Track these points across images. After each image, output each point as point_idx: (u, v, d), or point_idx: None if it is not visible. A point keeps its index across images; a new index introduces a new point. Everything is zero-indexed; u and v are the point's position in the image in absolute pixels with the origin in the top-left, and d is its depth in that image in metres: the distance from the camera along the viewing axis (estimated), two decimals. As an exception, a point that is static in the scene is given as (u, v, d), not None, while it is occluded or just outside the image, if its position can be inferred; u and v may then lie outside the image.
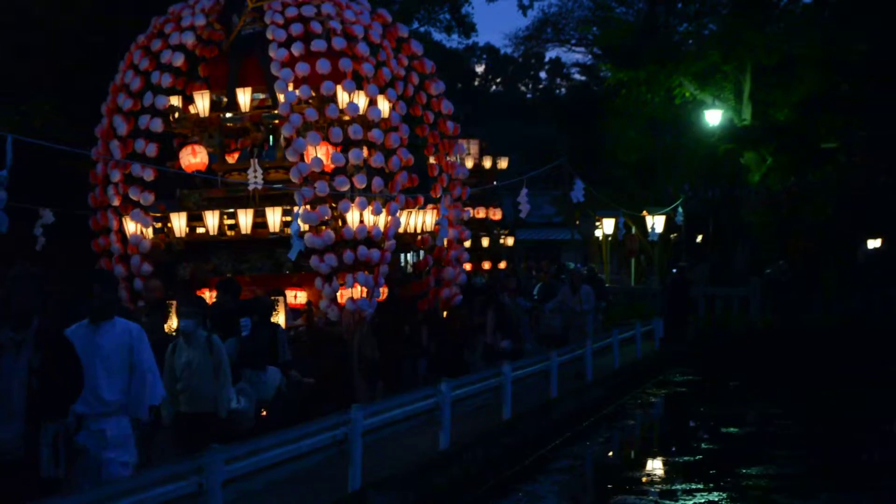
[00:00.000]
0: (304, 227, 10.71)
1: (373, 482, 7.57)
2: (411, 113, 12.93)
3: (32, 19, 14.17)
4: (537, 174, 22.72)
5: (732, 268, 25.10)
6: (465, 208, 14.97)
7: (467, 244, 14.50)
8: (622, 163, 27.67)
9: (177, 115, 12.06)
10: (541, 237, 37.11)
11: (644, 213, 25.23)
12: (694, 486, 9.56)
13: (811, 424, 13.68)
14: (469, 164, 20.57)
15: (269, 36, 11.27)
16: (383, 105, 11.61)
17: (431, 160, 13.68)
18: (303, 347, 10.35)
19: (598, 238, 28.92)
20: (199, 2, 12.07)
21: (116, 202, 11.86)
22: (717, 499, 9.15)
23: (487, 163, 22.75)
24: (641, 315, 20.03)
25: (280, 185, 10.95)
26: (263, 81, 11.66)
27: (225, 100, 12.08)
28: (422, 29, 31.78)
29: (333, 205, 10.89)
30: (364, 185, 10.96)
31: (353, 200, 10.85)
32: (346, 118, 11.16)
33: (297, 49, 11.18)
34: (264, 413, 8.41)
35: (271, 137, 11.93)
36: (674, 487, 9.58)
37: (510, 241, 24.26)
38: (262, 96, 11.96)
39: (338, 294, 10.78)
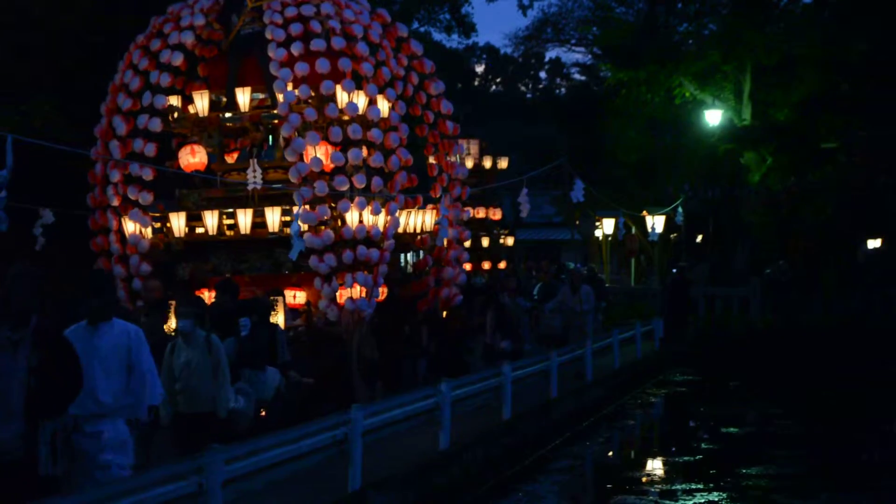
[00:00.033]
0: (304, 227, 10.71)
1: (373, 482, 7.57)
2: (411, 113, 12.93)
3: (32, 19, 14.16)
4: (537, 174, 22.72)
5: (732, 268, 25.10)
6: (465, 208, 14.97)
7: (467, 244, 14.50)
8: (622, 163, 27.66)
9: (176, 114, 12.06)
10: (541, 237, 37.11)
11: (644, 213, 25.23)
12: (694, 486, 9.56)
13: (811, 424, 13.67)
14: (469, 164, 20.57)
15: (268, 36, 11.26)
16: (383, 105, 11.61)
17: (431, 160, 13.68)
18: (302, 347, 10.35)
19: (598, 238, 28.92)
20: (198, 1, 12.06)
21: (116, 202, 11.86)
22: (717, 499, 9.15)
23: (487, 163, 22.75)
24: (641, 315, 20.03)
25: (279, 185, 10.94)
26: (263, 81, 11.66)
27: (224, 100, 12.08)
28: (422, 29, 31.79)
29: (333, 205, 10.88)
30: (363, 185, 10.95)
31: (352, 200, 10.84)
32: (346, 118, 11.16)
33: (296, 49, 11.18)
34: (263, 413, 8.41)
35: (270, 137, 11.92)
36: (674, 487, 9.58)
37: (510, 241, 24.26)
38: (261, 96, 11.96)
39: (337, 294, 10.78)
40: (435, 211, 13.06)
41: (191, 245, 11.68)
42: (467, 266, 14.87)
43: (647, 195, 26.76)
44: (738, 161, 25.60)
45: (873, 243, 25.92)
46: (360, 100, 11.27)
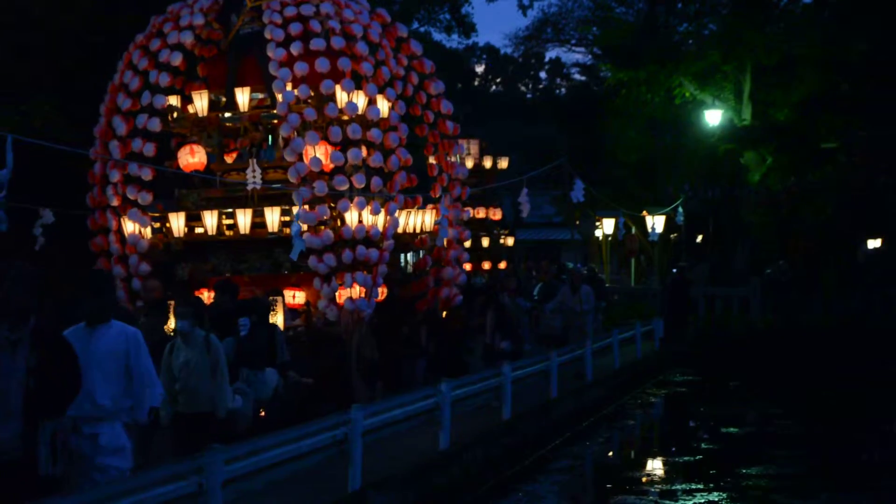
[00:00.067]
0: (304, 227, 10.70)
1: (373, 482, 7.57)
2: (411, 113, 12.92)
3: (32, 19, 14.16)
4: (537, 174, 22.72)
5: (732, 268, 25.10)
6: (465, 208, 14.97)
7: (467, 244, 14.49)
8: (622, 163, 27.66)
9: (175, 114, 12.05)
10: (541, 237, 37.12)
11: (644, 213, 25.23)
12: (694, 486, 9.56)
13: (811, 424, 13.67)
14: (469, 164, 20.58)
15: (268, 35, 11.25)
16: (382, 104, 11.60)
17: (431, 160, 13.67)
18: (301, 347, 10.34)
19: (598, 238, 28.92)
20: (197, 1, 12.05)
21: (115, 202, 11.84)
22: (717, 499, 9.15)
23: (487, 163, 22.77)
24: (641, 315, 20.02)
25: (279, 185, 10.93)
26: (262, 81, 11.65)
27: (223, 99, 12.07)
28: (422, 29, 31.79)
29: (332, 204, 10.88)
30: (363, 185, 10.95)
31: (351, 200, 10.84)
32: (345, 118, 11.16)
33: (295, 48, 11.17)
34: (263, 413, 8.41)
35: (270, 137, 11.91)
36: (674, 487, 9.58)
37: (510, 241, 24.28)
38: (260, 96, 11.94)
39: (336, 294, 10.77)
40: (435, 211, 13.05)
41: (190, 245, 11.68)
42: (467, 266, 14.86)
43: (647, 195, 26.76)
44: (738, 161, 25.59)
45: (873, 243, 25.92)
46: (360, 99, 11.26)
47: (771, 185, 25.25)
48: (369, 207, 10.94)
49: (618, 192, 26.29)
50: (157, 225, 11.78)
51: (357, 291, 10.78)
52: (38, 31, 14.15)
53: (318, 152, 10.81)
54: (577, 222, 29.96)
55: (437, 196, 13.33)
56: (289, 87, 11.05)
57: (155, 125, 11.66)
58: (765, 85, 25.10)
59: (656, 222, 24.91)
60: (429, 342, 11.95)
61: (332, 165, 10.93)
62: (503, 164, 23.55)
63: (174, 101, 12.10)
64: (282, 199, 11.13)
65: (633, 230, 26.29)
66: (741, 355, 18.70)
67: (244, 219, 11.26)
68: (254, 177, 10.79)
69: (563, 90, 56.34)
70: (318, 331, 10.90)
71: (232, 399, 7.65)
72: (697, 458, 11.30)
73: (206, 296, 10.76)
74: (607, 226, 26.92)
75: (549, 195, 33.60)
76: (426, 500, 8.08)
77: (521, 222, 29.22)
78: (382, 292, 11.46)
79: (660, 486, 9.74)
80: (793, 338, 19.04)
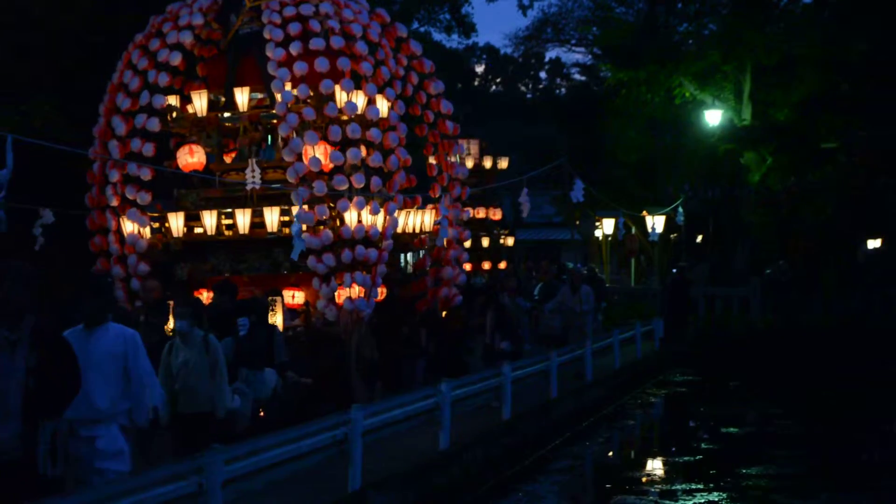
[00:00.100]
0: (304, 227, 10.70)
1: (373, 482, 7.57)
2: (410, 112, 12.93)
3: (32, 19, 14.16)
4: (537, 174, 22.73)
5: (732, 268, 25.10)
6: (465, 208, 14.96)
7: (467, 244, 14.48)
8: (622, 163, 27.65)
9: (174, 114, 12.05)
10: (541, 237, 37.12)
11: (644, 213, 25.23)
12: (694, 486, 9.56)
13: (811, 424, 13.67)
14: (469, 164, 20.58)
15: (267, 35, 11.24)
16: (382, 104, 11.60)
17: (431, 160, 13.67)
18: (301, 348, 10.34)
19: (598, 238, 28.92)
20: (196, 1, 12.05)
21: (115, 202, 11.83)
22: (717, 499, 9.15)
23: (487, 163, 22.76)
24: (641, 315, 20.02)
25: (278, 185, 10.93)
26: (261, 81, 11.64)
27: (223, 99, 12.07)
28: (422, 29, 31.79)
29: (332, 204, 10.88)
30: (362, 185, 10.95)
31: (350, 200, 10.83)
32: (345, 117, 11.16)
33: (295, 48, 11.17)
34: (262, 414, 8.41)
35: (269, 137, 11.91)
36: (674, 487, 9.57)
37: (510, 241, 24.27)
38: (259, 96, 11.94)
39: (336, 294, 10.77)
40: (434, 211, 13.05)
41: (189, 245, 11.67)
42: (467, 266, 14.86)
43: (647, 195, 26.77)
44: (738, 161, 25.59)
45: (873, 243, 25.92)
46: (359, 99, 11.26)
47: (771, 185, 25.25)
48: (368, 207, 10.93)
49: (618, 192, 26.29)
50: (156, 225, 11.77)
51: (356, 291, 10.77)
52: (38, 31, 14.15)
53: (318, 152, 10.81)
54: (577, 222, 29.96)
55: (437, 196, 13.33)
56: (288, 86, 11.05)
57: (154, 125, 11.65)
58: (765, 85, 25.10)
59: (656, 222, 24.91)
60: (428, 342, 11.94)
61: (331, 165, 10.93)
62: (503, 164, 23.55)
63: (173, 100, 12.09)
64: (281, 199, 11.13)
65: (633, 230, 26.29)
66: (741, 355, 18.70)
67: (243, 219, 11.25)
68: (253, 177, 10.78)
69: (563, 90, 56.39)
70: (317, 331, 10.90)
71: (231, 399, 7.65)
72: (697, 458, 11.30)
73: (206, 296, 10.76)
74: (607, 226, 26.92)
75: (549, 195, 33.60)
76: (426, 500, 8.08)
77: (521, 222, 29.22)
78: (382, 292, 11.46)
79: (660, 486, 9.74)
80: (793, 338, 19.04)
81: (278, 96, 11.06)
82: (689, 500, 9.05)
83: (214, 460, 5.86)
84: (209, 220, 11.42)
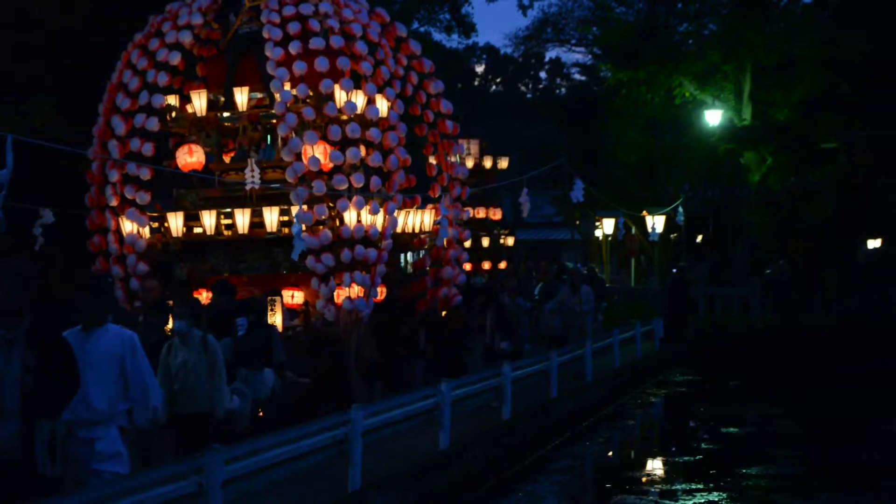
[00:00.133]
0: (303, 227, 10.69)
1: (373, 482, 7.56)
2: (410, 112, 12.92)
3: (32, 19, 14.16)
4: (537, 174, 22.72)
5: (732, 268, 25.10)
6: (465, 208, 14.96)
7: (467, 244, 14.48)
8: (622, 163, 27.66)
9: (174, 114, 12.04)
10: (541, 237, 37.13)
11: (644, 213, 25.23)
12: (694, 486, 9.55)
13: (811, 424, 13.66)
14: (469, 164, 20.60)
15: (265, 35, 11.23)
16: (381, 104, 11.60)
17: (431, 160, 13.67)
18: (300, 347, 10.33)
19: (598, 238, 28.92)
20: (195, 0, 12.04)
21: (114, 202, 11.81)
22: (717, 499, 9.14)
23: (487, 163, 22.78)
24: (641, 315, 20.02)
25: (277, 185, 10.93)
26: (261, 80, 11.63)
27: (222, 99, 12.06)
28: (422, 29, 31.81)
29: (331, 204, 10.88)
30: (361, 184, 10.95)
31: (350, 199, 10.83)
32: (344, 117, 11.15)
33: (294, 47, 11.16)
34: (261, 414, 8.40)
35: (269, 137, 11.91)
36: (674, 487, 9.57)
37: (510, 241, 24.29)
38: (259, 95, 11.93)
39: (335, 293, 10.77)
40: (434, 211, 13.05)
41: (188, 245, 11.66)
42: (467, 266, 14.85)
43: (647, 195, 26.76)
44: (738, 161, 25.59)
45: (873, 243, 25.91)
46: (359, 99, 11.26)
47: (771, 185, 25.24)
48: (368, 207, 10.93)
49: (618, 192, 26.29)
50: (156, 225, 11.76)
51: (355, 291, 10.77)
52: (38, 31, 14.15)
53: (317, 151, 10.80)
54: (577, 222, 29.96)
55: (437, 196, 13.32)
56: (287, 86, 11.04)
57: (153, 125, 11.64)
58: (765, 85, 25.10)
59: (656, 222, 24.91)
60: (427, 343, 11.93)
61: (330, 165, 10.92)
62: (503, 164, 23.56)
63: (172, 100, 12.08)
64: (280, 198, 11.12)
65: (633, 230, 26.28)
66: (741, 355, 18.70)
67: (242, 219, 11.25)
68: (252, 176, 10.78)
69: (563, 90, 56.42)
70: (316, 331, 10.89)
71: (230, 400, 7.64)
72: (697, 458, 11.30)
73: (205, 296, 10.76)
74: (607, 226, 26.92)
75: (549, 195, 33.61)
76: (426, 500, 8.08)
77: (521, 222, 29.24)
78: (381, 292, 11.45)
79: (660, 486, 9.73)
80: (793, 338, 19.04)
81: (277, 96, 11.05)
82: (689, 500, 9.05)
83: (214, 460, 5.86)
84: (208, 219, 11.41)
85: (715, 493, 9.31)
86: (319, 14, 11.43)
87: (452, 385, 9.23)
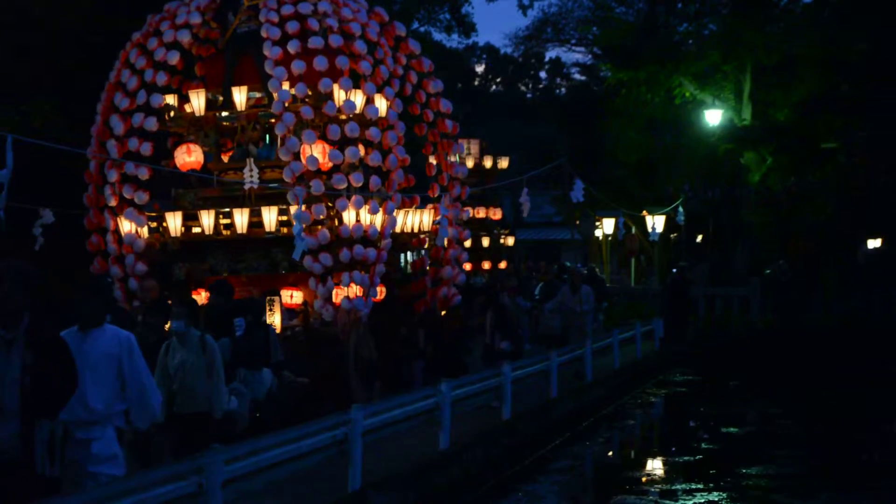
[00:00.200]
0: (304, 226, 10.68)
1: (373, 482, 7.56)
2: (410, 111, 12.91)
3: (32, 19, 14.16)
4: (537, 174, 22.74)
5: (732, 268, 25.09)
6: (465, 208, 14.95)
7: (467, 244, 14.47)
8: (622, 163, 27.67)
9: (172, 113, 12.03)
10: (541, 237, 37.15)
11: (644, 213, 25.23)
12: (694, 486, 9.55)
13: (811, 424, 13.66)
14: (469, 163, 20.64)
15: (264, 34, 11.22)
16: (380, 103, 11.59)
17: (431, 159, 13.66)
18: (299, 347, 10.32)
19: (598, 238, 28.92)
20: (193, 0, 12.03)
21: (113, 202, 11.79)
22: (717, 499, 9.14)
23: (488, 163, 22.81)
24: (641, 315, 20.02)
25: (276, 185, 10.91)
26: (259, 80, 11.62)
27: (221, 98, 12.05)
28: (422, 29, 31.84)
29: (330, 203, 10.87)
30: (360, 184, 10.94)
31: (349, 199, 10.82)
32: (343, 116, 11.14)
33: (293, 47, 11.15)
34: (258, 414, 8.39)
35: (267, 136, 11.90)
36: (674, 487, 9.56)
37: (510, 241, 24.32)
38: (258, 95, 11.92)
39: (333, 293, 10.76)
40: (434, 210, 13.04)
41: (187, 245, 11.65)
42: (467, 266, 14.84)
43: (647, 195, 26.77)
44: (738, 161, 25.59)
45: (873, 243, 25.93)
46: (358, 98, 11.25)
47: (771, 185, 25.24)
48: (367, 206, 10.92)
49: (618, 192, 26.30)
50: (154, 224, 11.74)
51: (354, 291, 10.76)
52: (38, 31, 14.15)
53: (316, 151, 10.79)
54: (577, 222, 29.96)
55: (436, 195, 13.31)
56: (285, 85, 11.03)
57: (152, 124, 11.62)
58: (765, 85, 25.10)
59: (656, 222, 24.92)
60: (427, 343, 11.93)
61: (329, 164, 10.91)
62: (503, 164, 23.58)
63: (171, 100, 12.07)
64: (279, 198, 11.10)
65: (633, 230, 26.29)
66: (741, 355, 18.70)
67: (241, 218, 11.23)
68: (251, 176, 10.77)
69: (563, 90, 56.42)
70: (315, 331, 10.88)
71: (228, 400, 7.63)
72: (697, 458, 11.29)
73: (204, 296, 10.74)
74: (607, 226, 26.92)
75: (549, 195, 33.63)
76: (426, 500, 8.07)
77: (521, 222, 29.27)
78: (381, 292, 11.45)
79: (660, 486, 9.72)
80: (793, 338, 19.04)
81: (275, 95, 11.04)
82: (689, 500, 9.04)
83: (214, 460, 5.85)
84: (207, 219, 11.39)
85: (715, 493, 9.31)
86: (318, 13, 11.42)
87: (452, 385, 9.22)
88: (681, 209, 25.57)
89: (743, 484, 9.86)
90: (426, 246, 13.31)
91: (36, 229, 11.47)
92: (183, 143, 11.79)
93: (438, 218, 12.75)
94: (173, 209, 11.72)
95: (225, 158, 12.16)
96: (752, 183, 25.50)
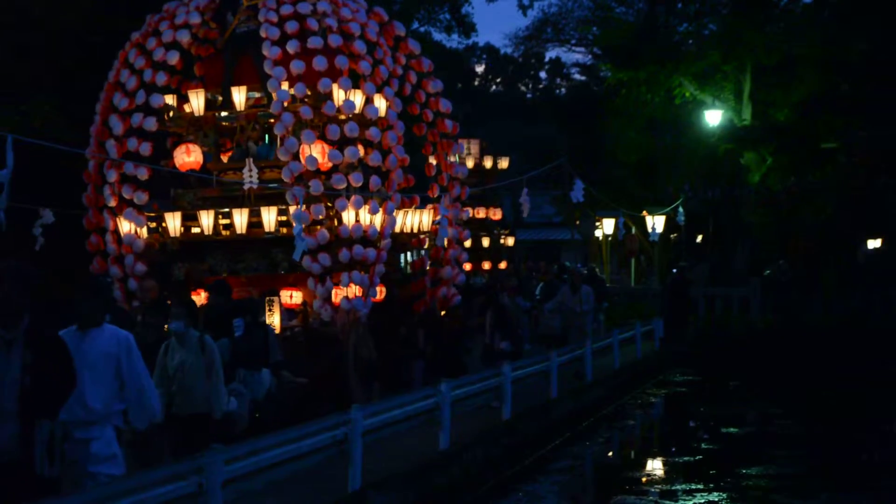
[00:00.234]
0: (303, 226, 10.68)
1: (373, 482, 7.56)
2: (409, 111, 12.91)
3: (32, 19, 14.16)
4: (537, 174, 22.74)
5: (732, 268, 25.09)
6: (465, 208, 14.95)
7: (467, 244, 14.46)
8: (622, 163, 27.67)
9: (171, 113, 12.02)
10: (541, 237, 37.14)
11: (644, 213, 25.23)
12: (694, 486, 9.54)
13: (811, 424, 13.66)
14: (469, 163, 20.64)
15: (263, 34, 11.22)
16: (380, 103, 11.59)
17: (431, 159, 13.66)
18: (298, 348, 10.31)
19: (598, 238, 28.93)
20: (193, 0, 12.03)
21: (113, 202, 11.79)
22: (717, 499, 9.13)
23: (488, 163, 22.81)
24: (641, 315, 20.01)
25: (275, 185, 10.91)
26: (258, 80, 11.62)
27: (220, 98, 12.04)
28: (422, 29, 31.84)
29: (329, 204, 10.86)
30: (360, 184, 10.93)
31: (349, 199, 10.82)
32: (343, 116, 11.14)
33: (292, 47, 11.15)
34: (257, 415, 8.39)
35: (266, 136, 11.90)
36: (674, 487, 9.56)
37: (510, 241, 24.31)
38: (257, 95, 11.92)
39: (332, 293, 10.75)
40: (433, 210, 13.03)
41: (186, 245, 11.65)
42: (467, 266, 14.83)
43: (647, 195, 26.77)
44: (738, 161, 25.59)
45: (873, 243, 25.91)
46: (357, 98, 11.25)
47: (771, 185, 25.24)
48: (367, 206, 10.92)
49: (618, 192, 26.30)
50: (154, 225, 11.74)
51: (353, 291, 10.75)
52: (38, 31, 14.15)
53: (315, 151, 10.79)
54: (577, 222, 29.97)
55: (436, 196, 13.31)
56: (285, 85, 11.03)
57: (151, 124, 11.62)
58: (765, 85, 25.10)
59: (656, 222, 24.91)
60: (426, 343, 11.92)
61: (329, 164, 10.91)
62: (503, 164, 23.58)
63: (170, 100, 12.07)
64: (279, 198, 11.09)
65: (633, 230, 26.28)
66: (741, 355, 18.69)
67: (241, 218, 11.23)
68: (250, 176, 10.77)
69: (563, 90, 56.42)
70: (314, 331, 10.87)
71: (227, 401, 7.63)
72: (697, 458, 11.29)
73: (203, 296, 10.74)
74: (607, 226, 26.92)
75: (549, 195, 33.63)
76: (426, 500, 8.07)
77: (521, 222, 29.26)
78: (381, 292, 11.44)
79: (660, 486, 9.72)
80: (793, 338, 19.03)
81: (275, 95, 11.04)
82: (689, 500, 9.04)
83: (214, 460, 5.85)
84: (206, 219, 11.39)
85: (715, 493, 9.30)
86: (317, 13, 11.42)
87: (452, 385, 9.22)
88: (681, 209, 25.57)
89: (743, 484, 9.86)
90: (426, 246, 13.30)
91: (36, 229, 11.47)
92: (182, 143, 11.79)
93: (438, 218, 12.75)
94: (172, 209, 11.71)
95: (224, 158, 12.15)
96: (752, 183, 25.49)
